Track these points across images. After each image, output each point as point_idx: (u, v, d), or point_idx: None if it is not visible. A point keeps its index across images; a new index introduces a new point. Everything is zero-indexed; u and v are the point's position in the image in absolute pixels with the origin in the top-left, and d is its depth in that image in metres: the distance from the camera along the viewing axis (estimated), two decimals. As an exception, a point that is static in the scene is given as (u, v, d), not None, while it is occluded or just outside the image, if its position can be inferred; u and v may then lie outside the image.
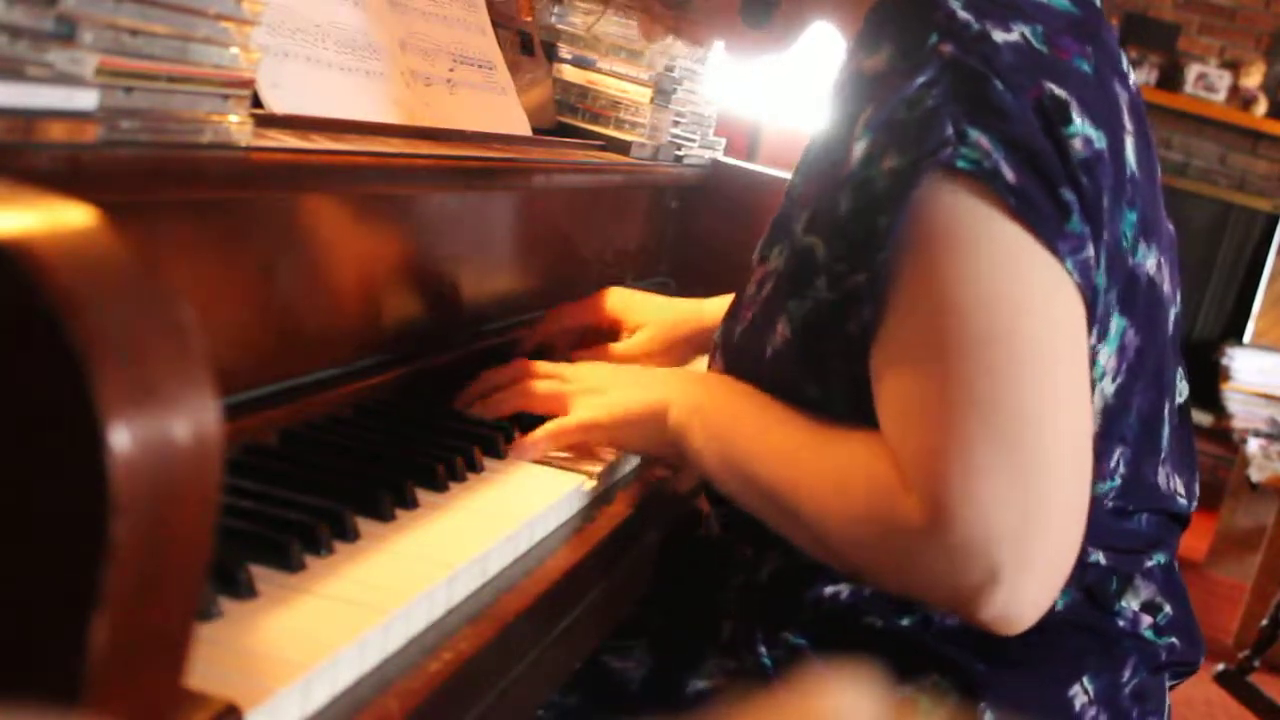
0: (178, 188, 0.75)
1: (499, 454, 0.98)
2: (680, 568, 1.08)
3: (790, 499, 0.90)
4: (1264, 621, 2.84)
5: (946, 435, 0.80)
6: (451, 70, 1.20)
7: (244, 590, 0.65)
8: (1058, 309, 0.83)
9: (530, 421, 1.03)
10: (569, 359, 1.18)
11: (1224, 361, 4.64)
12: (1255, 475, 3.62)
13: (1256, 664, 2.81)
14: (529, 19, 1.53)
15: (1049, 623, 0.88)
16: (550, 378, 1.07)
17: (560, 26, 1.62)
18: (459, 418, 1.05)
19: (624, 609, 1.01)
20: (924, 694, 0.90)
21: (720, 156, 1.81)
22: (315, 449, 0.89)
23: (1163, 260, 0.95)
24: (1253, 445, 3.78)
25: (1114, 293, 0.89)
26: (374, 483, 0.83)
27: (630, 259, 1.65)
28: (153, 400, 0.46)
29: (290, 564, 0.70)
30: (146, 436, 0.45)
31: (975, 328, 0.81)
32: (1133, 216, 0.90)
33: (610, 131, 1.57)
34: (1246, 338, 4.89)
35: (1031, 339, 0.82)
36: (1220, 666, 2.81)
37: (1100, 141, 0.86)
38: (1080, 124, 0.85)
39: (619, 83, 1.60)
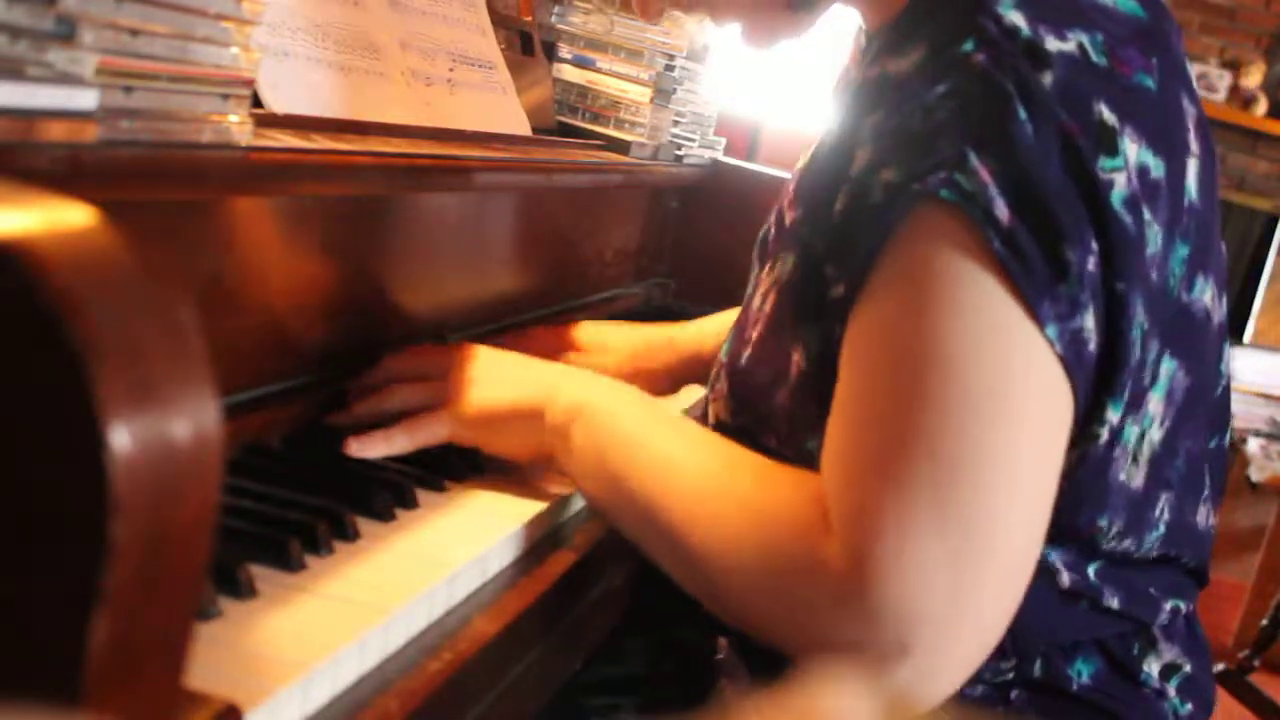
0: (178, 188, 0.75)
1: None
2: (664, 597, 0.99)
3: (676, 522, 0.80)
4: (1264, 621, 2.83)
5: (886, 486, 0.72)
6: (451, 70, 1.20)
7: (244, 590, 0.65)
8: (1026, 375, 0.75)
9: None
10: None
11: (1224, 361, 4.63)
12: (1255, 475, 3.62)
13: (1256, 664, 2.81)
14: (529, 19, 1.53)
15: (1078, 695, 0.84)
16: (414, 371, 0.96)
17: (560, 26, 1.62)
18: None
19: (626, 606, 1.01)
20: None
21: (720, 156, 1.81)
22: (316, 449, 0.89)
23: (1216, 291, 0.87)
24: (1253, 445, 3.78)
25: (1156, 335, 0.80)
26: (374, 483, 0.84)
27: (630, 259, 1.65)
28: (153, 400, 0.46)
29: (290, 564, 0.70)
30: (146, 436, 0.45)
31: (938, 379, 0.73)
32: (1184, 250, 0.82)
33: (610, 131, 1.56)
34: (1246, 338, 4.89)
35: (993, 400, 0.73)
36: (1220, 666, 2.81)
37: (1159, 169, 0.78)
38: (1135, 151, 0.77)
39: (619, 82, 1.59)
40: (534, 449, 0.92)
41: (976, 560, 0.72)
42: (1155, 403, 0.84)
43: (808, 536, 0.75)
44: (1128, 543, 0.86)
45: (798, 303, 0.86)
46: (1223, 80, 4.86)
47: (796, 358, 0.86)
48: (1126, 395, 0.80)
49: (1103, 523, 0.84)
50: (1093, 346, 0.77)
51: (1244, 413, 4.40)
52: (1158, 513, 0.87)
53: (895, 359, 0.75)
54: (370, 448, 0.89)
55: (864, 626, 0.72)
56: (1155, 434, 0.85)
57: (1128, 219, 0.76)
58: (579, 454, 0.88)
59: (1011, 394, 0.74)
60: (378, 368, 0.97)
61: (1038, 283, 0.74)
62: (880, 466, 0.73)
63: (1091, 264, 0.75)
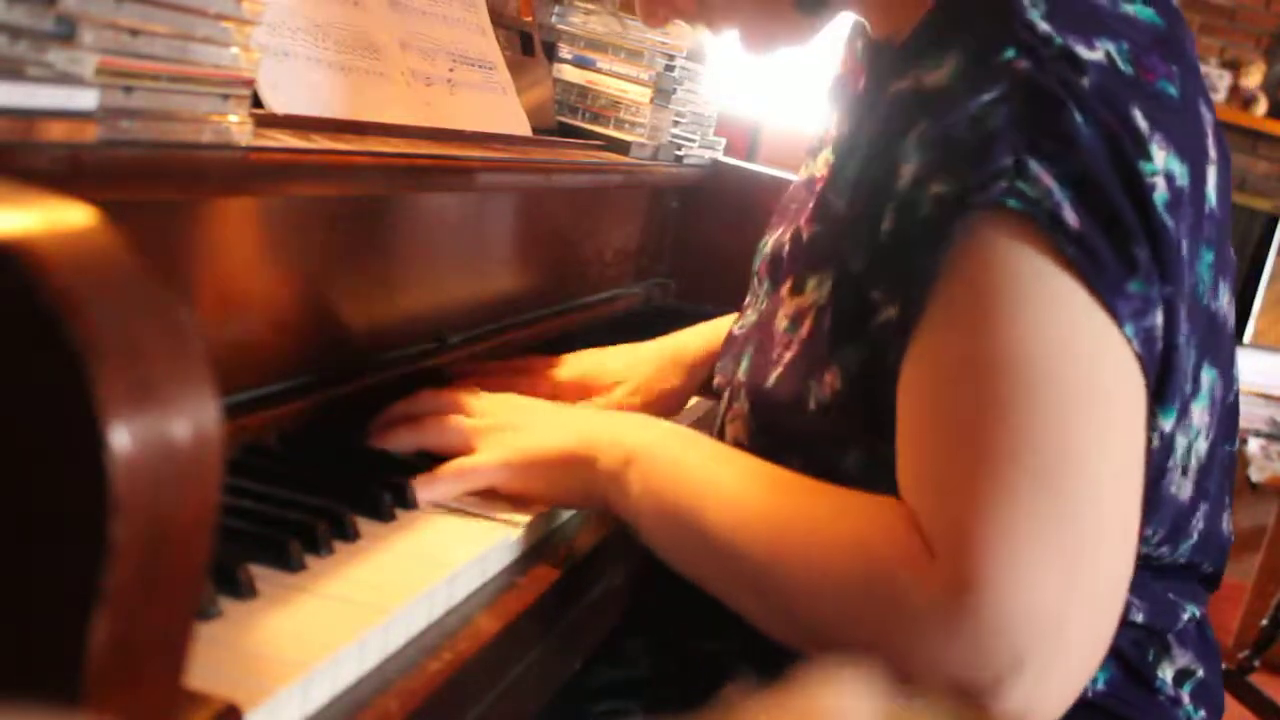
0: (178, 188, 0.75)
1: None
2: (665, 597, 0.98)
3: (760, 563, 0.77)
4: (1264, 621, 2.83)
5: (986, 497, 0.70)
6: (451, 70, 1.20)
7: (244, 590, 0.65)
8: (1108, 374, 0.74)
9: None
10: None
11: (1224, 361, 4.63)
12: (1255, 475, 3.62)
13: (1256, 664, 2.81)
14: (529, 19, 1.53)
15: (1093, 703, 0.84)
16: (456, 411, 0.93)
17: (560, 26, 1.62)
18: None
19: (626, 606, 1.01)
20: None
21: (720, 156, 1.81)
22: (316, 449, 0.89)
23: (1230, 296, 0.87)
24: (1253, 445, 3.78)
25: (1195, 343, 0.79)
26: (374, 483, 0.83)
27: (630, 259, 1.65)
28: (153, 400, 0.46)
29: (290, 564, 0.70)
30: (146, 436, 0.45)
31: (1024, 384, 0.72)
32: (1210, 256, 0.82)
33: (610, 131, 1.56)
34: (1246, 338, 4.89)
35: (1083, 401, 0.72)
36: (1221, 667, 2.80)
37: (1184, 177, 0.78)
38: (1163, 159, 0.76)
39: (619, 83, 1.59)
40: (585, 496, 0.88)
41: (1087, 558, 0.71)
42: (1199, 414, 0.83)
43: (908, 562, 0.72)
44: (1163, 550, 0.86)
45: (834, 324, 0.85)
46: (1223, 80, 4.86)
47: (830, 378, 0.84)
48: (1178, 404, 0.79)
49: (1147, 531, 0.83)
50: (1160, 347, 0.76)
51: (1244, 413, 4.38)
52: (1194, 523, 0.87)
53: (975, 370, 0.74)
54: (430, 491, 0.86)
55: (978, 643, 0.69)
56: (1201, 446, 0.84)
57: (1170, 223, 0.76)
58: (638, 499, 0.84)
59: (1098, 392, 0.73)
60: (414, 398, 0.95)
61: (1111, 281, 0.73)
62: (978, 479, 0.71)
63: (1149, 265, 0.75)
